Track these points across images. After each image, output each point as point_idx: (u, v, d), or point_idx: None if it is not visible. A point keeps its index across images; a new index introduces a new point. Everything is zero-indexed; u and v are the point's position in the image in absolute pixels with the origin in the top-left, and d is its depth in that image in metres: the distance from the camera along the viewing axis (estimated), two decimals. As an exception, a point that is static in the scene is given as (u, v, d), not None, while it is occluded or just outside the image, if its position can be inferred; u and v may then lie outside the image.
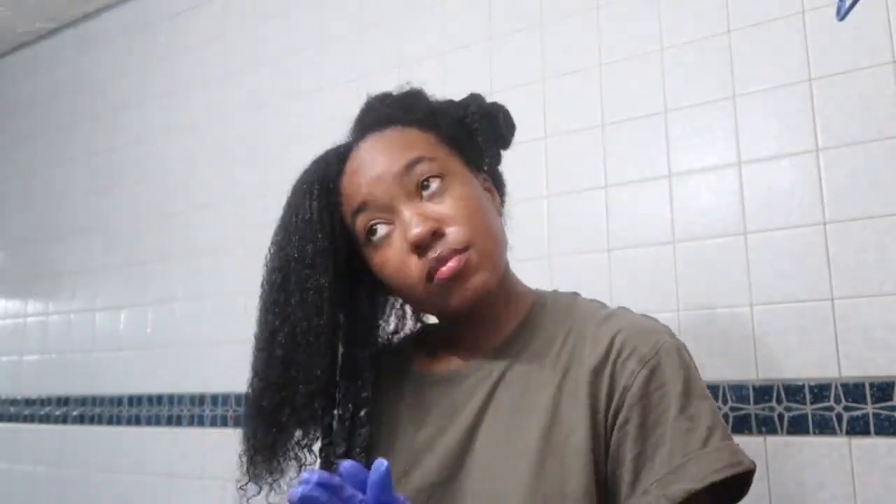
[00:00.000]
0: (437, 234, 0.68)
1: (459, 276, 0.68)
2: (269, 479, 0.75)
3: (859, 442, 1.07)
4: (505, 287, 0.75)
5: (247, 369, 0.81)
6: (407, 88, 0.82)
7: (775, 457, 1.12)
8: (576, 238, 1.36)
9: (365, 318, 0.81)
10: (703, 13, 1.30)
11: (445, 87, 1.62)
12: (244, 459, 0.75)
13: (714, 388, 1.18)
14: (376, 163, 0.72)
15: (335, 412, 0.79)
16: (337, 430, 0.78)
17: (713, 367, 1.19)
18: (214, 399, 1.83)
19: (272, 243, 0.77)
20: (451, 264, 0.67)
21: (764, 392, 1.15)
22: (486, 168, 0.81)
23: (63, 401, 2.19)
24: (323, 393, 0.75)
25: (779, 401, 1.14)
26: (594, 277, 1.32)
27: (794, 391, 1.13)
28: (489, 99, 0.83)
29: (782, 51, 1.22)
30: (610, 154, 1.36)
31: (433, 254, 0.68)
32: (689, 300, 1.23)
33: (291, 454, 0.76)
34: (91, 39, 2.42)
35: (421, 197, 0.70)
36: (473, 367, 0.75)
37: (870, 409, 1.07)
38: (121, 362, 2.07)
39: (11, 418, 2.34)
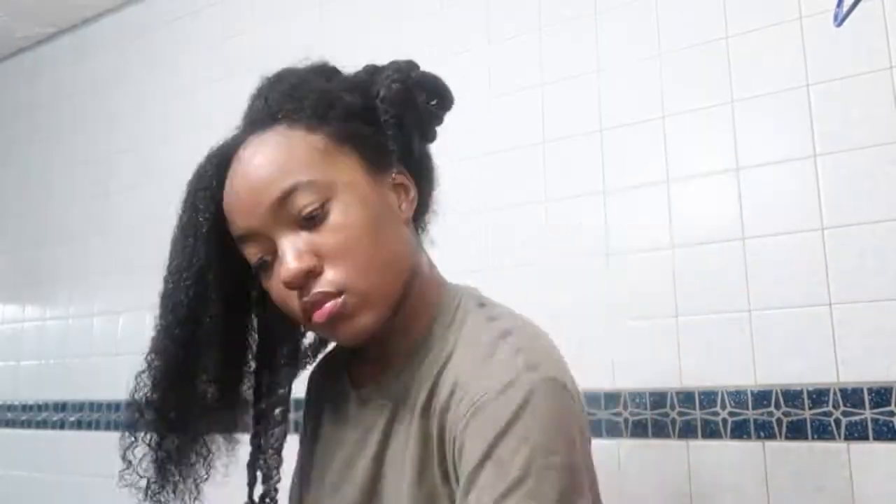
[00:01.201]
0: (312, 274, 0.62)
1: (337, 319, 0.62)
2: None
3: (858, 447, 1.07)
4: (415, 297, 0.68)
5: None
6: (311, 64, 0.70)
7: (773, 462, 1.12)
8: (573, 243, 1.37)
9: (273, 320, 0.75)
10: (701, 19, 1.31)
11: (444, 92, 1.65)
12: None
13: (712, 394, 1.18)
14: (251, 187, 0.63)
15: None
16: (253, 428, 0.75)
17: (711, 373, 1.19)
18: (212, 404, 1.82)
19: (169, 255, 0.75)
20: (327, 307, 0.61)
21: (762, 397, 1.15)
22: (399, 158, 0.69)
23: (61, 406, 2.19)
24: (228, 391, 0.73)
25: (777, 406, 1.13)
26: (592, 283, 1.32)
27: (792, 396, 1.13)
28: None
29: (780, 56, 1.22)
30: (608, 159, 1.36)
31: (307, 296, 0.62)
32: (687, 305, 1.23)
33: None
34: (90, 44, 2.43)
35: (300, 224, 0.63)
36: (382, 388, 0.70)
37: (868, 414, 1.07)
38: (119, 367, 2.06)
39: (9, 424, 2.33)
